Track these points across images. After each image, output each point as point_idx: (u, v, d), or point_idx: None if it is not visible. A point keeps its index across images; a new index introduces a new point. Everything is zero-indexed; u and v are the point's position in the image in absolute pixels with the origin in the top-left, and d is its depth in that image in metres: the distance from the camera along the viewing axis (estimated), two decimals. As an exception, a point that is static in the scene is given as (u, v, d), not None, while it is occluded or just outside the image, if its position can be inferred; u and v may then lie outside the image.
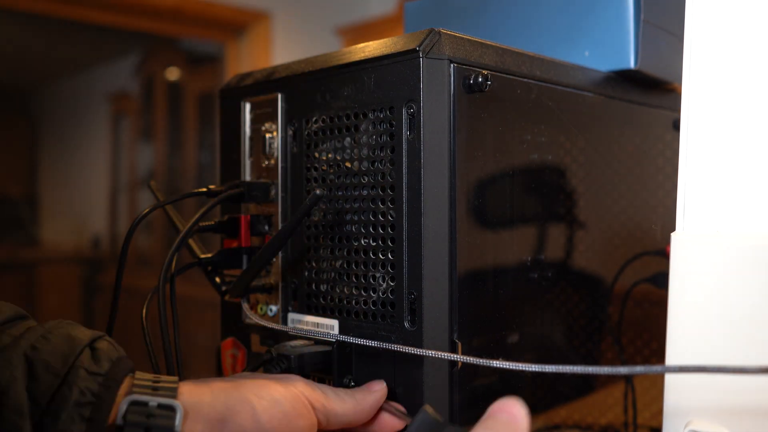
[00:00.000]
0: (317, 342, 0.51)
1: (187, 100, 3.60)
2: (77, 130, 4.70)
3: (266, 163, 0.56)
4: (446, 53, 0.47)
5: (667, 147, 0.69)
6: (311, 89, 0.53)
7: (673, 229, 0.44)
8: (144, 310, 0.51)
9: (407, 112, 0.47)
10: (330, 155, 0.52)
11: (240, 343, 0.59)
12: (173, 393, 0.39)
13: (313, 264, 0.53)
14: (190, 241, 0.56)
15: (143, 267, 3.67)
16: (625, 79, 0.64)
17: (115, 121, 4.27)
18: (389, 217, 0.48)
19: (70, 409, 0.35)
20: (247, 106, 0.58)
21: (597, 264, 0.62)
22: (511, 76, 0.52)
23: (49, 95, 5.06)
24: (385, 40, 0.49)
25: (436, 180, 0.46)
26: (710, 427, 0.40)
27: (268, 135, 0.56)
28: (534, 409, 0.52)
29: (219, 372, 0.61)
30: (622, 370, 0.35)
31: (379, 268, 0.49)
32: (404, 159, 0.47)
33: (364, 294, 0.50)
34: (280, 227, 0.55)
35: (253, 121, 0.57)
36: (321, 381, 0.50)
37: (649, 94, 0.67)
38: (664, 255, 0.65)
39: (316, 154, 0.53)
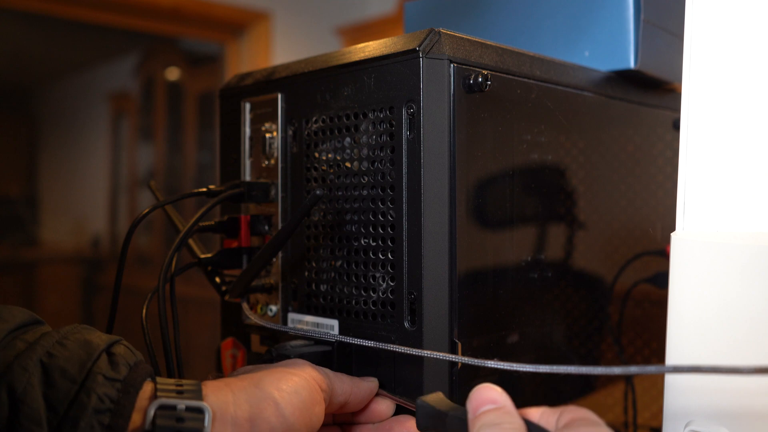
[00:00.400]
0: (317, 342, 0.51)
1: (187, 100, 3.60)
2: (77, 130, 4.70)
3: (266, 163, 0.56)
4: (446, 53, 0.47)
5: (667, 147, 0.69)
6: (311, 89, 0.53)
7: (673, 229, 0.44)
8: (144, 310, 0.51)
9: (407, 112, 0.47)
10: (330, 155, 0.52)
11: (240, 343, 0.59)
12: (199, 395, 0.38)
13: (313, 264, 0.53)
14: (190, 241, 0.56)
15: (143, 267, 3.67)
16: (625, 79, 0.64)
17: (115, 121, 4.27)
18: (389, 217, 0.48)
19: (89, 417, 0.35)
20: (247, 106, 0.58)
21: (597, 264, 0.62)
22: (511, 76, 0.52)
23: (49, 95, 5.06)
24: (385, 40, 0.49)
25: (435, 180, 0.46)
26: (710, 427, 0.40)
27: (268, 135, 0.56)
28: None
29: (219, 372, 0.61)
30: (616, 370, 0.35)
31: (379, 268, 0.49)
32: (404, 159, 0.47)
33: (364, 294, 0.50)
34: (280, 227, 0.55)
35: (253, 121, 0.57)
36: (321, 381, 0.50)
37: (649, 94, 0.67)
38: (664, 255, 0.65)
39: (316, 154, 0.53)
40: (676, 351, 0.42)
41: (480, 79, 0.47)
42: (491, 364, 0.38)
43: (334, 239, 0.52)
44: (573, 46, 0.64)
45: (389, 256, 0.48)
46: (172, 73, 3.78)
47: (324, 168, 0.52)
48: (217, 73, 3.32)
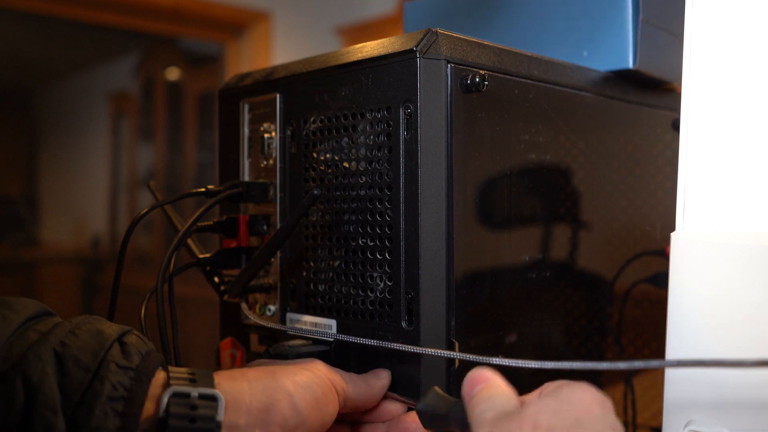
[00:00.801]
0: (315, 342, 0.51)
1: (187, 100, 3.60)
2: (77, 130, 4.70)
3: (265, 163, 0.56)
4: (443, 53, 0.47)
5: (667, 147, 0.69)
6: (309, 89, 0.53)
7: (673, 229, 0.44)
8: (143, 310, 0.51)
9: (404, 112, 0.46)
10: (328, 155, 0.52)
11: (239, 342, 0.59)
12: (211, 383, 0.39)
13: (311, 264, 0.53)
14: (189, 241, 0.56)
15: (142, 267, 3.67)
16: (624, 79, 0.64)
17: (115, 121, 4.27)
18: (387, 217, 0.48)
19: (103, 404, 0.35)
20: (246, 107, 0.58)
21: (596, 264, 0.62)
22: (508, 76, 0.51)
23: (49, 95, 5.07)
24: (382, 40, 0.49)
25: (433, 180, 0.46)
26: (710, 426, 0.40)
27: (266, 135, 0.56)
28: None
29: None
30: (621, 365, 0.35)
31: (377, 268, 0.49)
32: (401, 159, 0.47)
33: (362, 294, 0.50)
34: (278, 227, 0.55)
35: (251, 122, 0.57)
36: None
37: (648, 94, 0.67)
38: (664, 255, 0.65)
39: (314, 155, 0.53)
40: (676, 351, 0.42)
41: (477, 79, 0.47)
42: (496, 361, 0.38)
43: (332, 239, 0.52)
44: (571, 46, 0.64)
45: (387, 256, 0.48)
46: (172, 73, 3.78)
47: (322, 168, 0.52)
48: (217, 73, 3.32)
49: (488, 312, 0.51)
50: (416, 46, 0.46)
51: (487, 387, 0.36)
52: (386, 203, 0.48)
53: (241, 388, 0.40)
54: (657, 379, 0.69)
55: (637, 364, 0.34)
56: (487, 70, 0.49)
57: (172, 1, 2.66)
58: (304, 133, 0.53)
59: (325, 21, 3.00)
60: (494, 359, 0.38)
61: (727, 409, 0.40)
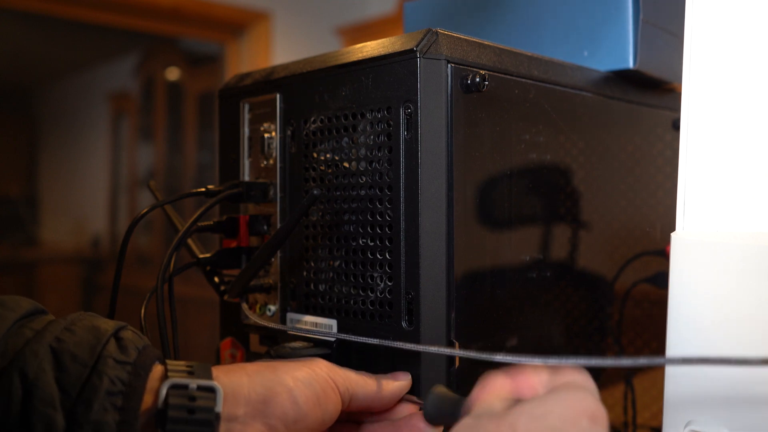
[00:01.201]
0: (316, 343, 0.51)
1: (187, 100, 3.60)
2: (77, 130, 4.70)
3: (265, 163, 0.56)
4: (443, 53, 0.47)
5: (667, 147, 0.69)
6: (309, 89, 0.53)
7: (673, 229, 0.44)
8: (143, 310, 0.51)
9: (404, 112, 0.46)
10: (328, 155, 0.52)
11: (239, 342, 0.59)
12: (209, 375, 0.39)
13: (312, 264, 0.53)
14: (189, 240, 0.56)
15: (143, 267, 3.67)
16: (624, 79, 0.64)
17: (115, 121, 4.27)
18: (387, 217, 0.48)
19: (102, 399, 0.36)
20: (246, 107, 0.58)
21: (597, 264, 0.62)
22: (509, 76, 0.51)
23: (49, 95, 5.07)
24: (383, 40, 0.49)
25: (433, 180, 0.46)
26: (710, 427, 0.40)
27: (266, 135, 0.56)
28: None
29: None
30: (625, 362, 0.35)
31: (377, 268, 0.49)
32: (402, 159, 0.47)
33: (362, 294, 0.50)
34: (278, 227, 0.55)
35: (251, 122, 0.57)
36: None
37: (648, 94, 0.67)
38: (664, 255, 0.65)
39: (315, 155, 0.53)
40: (676, 350, 0.42)
41: (478, 79, 0.47)
42: (498, 358, 0.38)
43: (333, 239, 0.52)
44: (571, 46, 0.64)
45: (387, 256, 0.48)
46: (172, 73, 3.78)
47: (322, 168, 0.52)
48: (217, 73, 3.32)
49: (488, 312, 0.51)
50: (416, 46, 0.46)
51: (494, 394, 0.35)
52: (386, 203, 0.48)
53: (239, 380, 0.40)
54: (657, 379, 0.69)
55: (642, 361, 0.34)
56: (488, 70, 0.49)
57: (172, 1, 2.66)
58: (304, 133, 0.53)
59: (325, 21, 3.00)
60: (496, 356, 0.38)
61: (728, 409, 0.40)
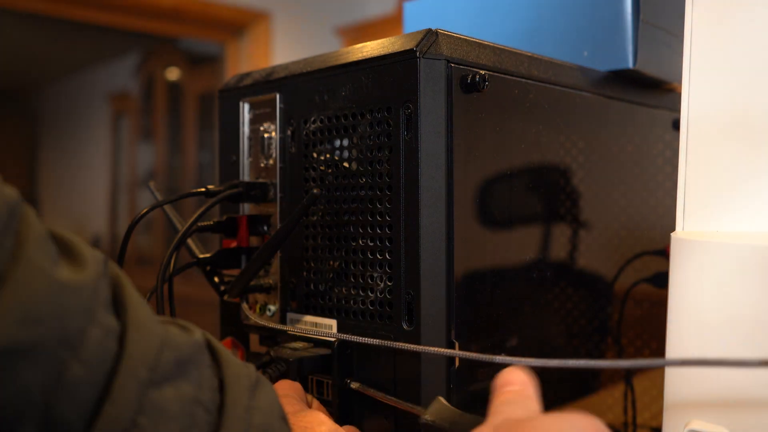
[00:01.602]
0: (316, 344, 0.50)
1: (187, 100, 3.60)
2: (77, 130, 4.70)
3: (265, 163, 0.56)
4: (443, 53, 0.47)
5: (667, 147, 0.69)
6: (309, 89, 0.53)
7: (673, 229, 0.44)
8: (142, 311, 0.51)
9: (404, 112, 0.46)
10: (328, 155, 0.52)
11: (239, 342, 0.59)
12: None
13: (312, 264, 0.53)
14: (189, 240, 0.56)
15: (143, 267, 3.67)
16: (623, 79, 0.64)
17: (115, 121, 4.28)
18: (387, 217, 0.48)
19: None
20: (246, 107, 0.58)
21: (597, 264, 0.62)
22: (508, 76, 0.51)
23: (49, 95, 5.07)
24: (382, 40, 0.49)
25: (433, 180, 0.46)
26: (710, 427, 0.40)
27: (266, 135, 0.56)
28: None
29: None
30: (624, 363, 0.35)
31: (377, 268, 0.49)
32: (401, 159, 0.47)
33: (363, 294, 0.50)
34: (278, 227, 0.55)
35: (251, 122, 0.57)
36: (321, 383, 0.50)
37: (648, 94, 0.67)
38: (664, 255, 0.65)
39: (315, 155, 0.53)
40: (676, 351, 0.42)
41: (477, 79, 0.47)
42: (498, 359, 0.38)
43: (333, 239, 0.52)
44: (571, 46, 0.64)
45: (387, 256, 0.48)
46: (172, 73, 3.78)
47: (322, 168, 0.52)
48: (217, 73, 3.32)
49: (489, 312, 0.51)
50: (416, 46, 0.46)
51: (519, 393, 0.34)
52: (386, 203, 0.48)
53: None
54: (657, 379, 0.69)
55: (641, 362, 0.34)
56: (488, 70, 0.49)
57: (172, 1, 2.66)
58: (304, 133, 0.53)
59: (325, 21, 3.00)
60: (496, 357, 0.38)
61: (728, 409, 0.40)
